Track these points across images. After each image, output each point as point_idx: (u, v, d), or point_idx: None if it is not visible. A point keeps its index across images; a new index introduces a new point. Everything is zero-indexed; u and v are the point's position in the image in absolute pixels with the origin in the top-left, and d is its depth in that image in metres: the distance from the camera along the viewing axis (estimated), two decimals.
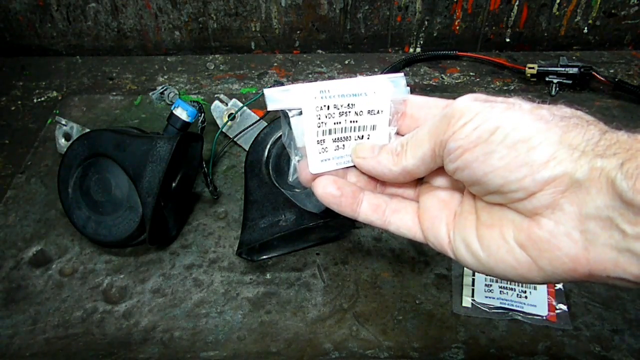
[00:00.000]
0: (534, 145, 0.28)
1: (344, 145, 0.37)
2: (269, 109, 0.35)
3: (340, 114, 0.36)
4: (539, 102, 0.31)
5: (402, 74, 0.37)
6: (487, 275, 0.34)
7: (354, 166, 0.38)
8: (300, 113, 0.35)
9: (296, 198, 0.58)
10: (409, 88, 0.37)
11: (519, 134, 0.29)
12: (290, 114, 0.36)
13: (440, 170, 0.36)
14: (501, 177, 0.29)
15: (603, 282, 0.28)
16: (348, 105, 0.36)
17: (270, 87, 0.36)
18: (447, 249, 0.35)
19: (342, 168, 0.37)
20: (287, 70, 0.86)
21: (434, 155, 0.32)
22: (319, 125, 0.36)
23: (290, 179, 0.39)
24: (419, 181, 0.38)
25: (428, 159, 0.33)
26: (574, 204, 0.28)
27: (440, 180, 0.37)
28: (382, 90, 0.37)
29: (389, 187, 0.39)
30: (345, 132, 0.37)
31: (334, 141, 0.37)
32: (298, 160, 0.37)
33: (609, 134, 0.28)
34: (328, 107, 0.36)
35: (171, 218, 0.61)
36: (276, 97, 0.35)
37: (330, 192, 0.36)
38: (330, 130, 0.36)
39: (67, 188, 0.59)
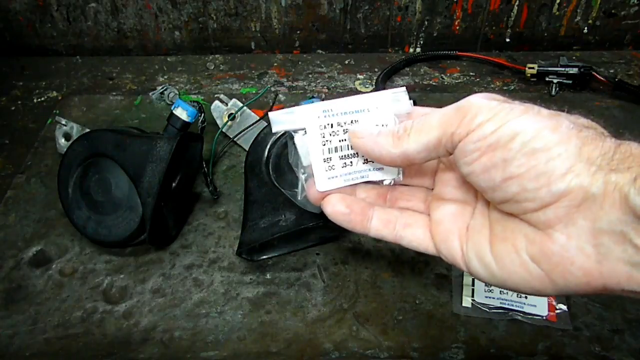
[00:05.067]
0: (554, 156, 0.28)
1: (351, 162, 0.37)
2: (274, 130, 0.36)
3: (345, 132, 0.37)
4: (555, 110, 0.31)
5: (404, 88, 0.38)
6: (499, 287, 0.34)
7: (363, 182, 0.38)
8: (305, 133, 0.36)
9: (296, 198, 0.58)
10: (412, 101, 0.38)
11: (539, 143, 0.28)
12: (294, 134, 0.37)
13: (450, 181, 0.36)
14: (518, 184, 0.29)
15: (617, 295, 0.28)
16: (352, 122, 0.37)
17: (275, 110, 0.37)
18: (459, 262, 0.34)
19: (351, 185, 0.38)
20: (287, 70, 0.86)
21: (439, 145, 0.32)
22: (323, 143, 0.37)
23: (299, 198, 0.39)
24: (428, 193, 0.38)
25: (432, 147, 0.32)
26: (587, 218, 0.27)
27: (451, 192, 0.37)
28: (384, 105, 0.37)
29: (399, 200, 0.39)
30: (351, 149, 0.37)
31: (340, 158, 0.37)
32: (305, 179, 0.38)
33: (623, 147, 0.28)
34: (332, 125, 0.37)
35: (171, 218, 0.61)
36: (280, 119, 0.36)
37: (339, 210, 0.36)
38: (336, 148, 0.37)
39: (67, 188, 0.59)
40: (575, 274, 0.28)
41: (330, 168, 0.37)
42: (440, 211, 0.36)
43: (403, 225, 0.37)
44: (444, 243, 0.35)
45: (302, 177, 0.38)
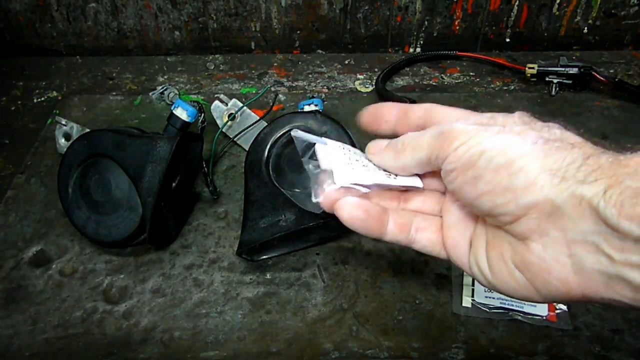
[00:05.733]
0: (515, 171, 0.29)
1: (368, 168, 0.38)
2: (295, 136, 0.39)
3: (359, 160, 0.39)
4: (545, 122, 0.32)
5: None
6: (497, 292, 0.35)
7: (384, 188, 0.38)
8: (325, 144, 0.39)
9: (296, 198, 0.58)
10: None
11: (502, 158, 0.29)
12: (316, 142, 0.38)
13: None
14: (489, 200, 0.30)
15: (600, 303, 0.28)
16: (366, 159, 0.39)
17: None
18: (466, 267, 0.35)
19: (369, 185, 0.37)
20: (287, 70, 0.86)
21: (429, 162, 0.34)
22: (344, 154, 0.38)
23: (313, 199, 0.38)
24: (442, 195, 0.38)
25: (424, 163, 0.34)
26: (558, 229, 0.28)
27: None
28: None
29: (412, 201, 0.39)
30: (369, 166, 0.39)
31: (363, 166, 0.38)
32: (321, 181, 0.37)
33: (592, 159, 0.28)
34: (349, 150, 0.39)
35: (171, 218, 0.61)
36: (303, 135, 0.38)
37: (356, 216, 0.35)
38: (356, 160, 0.38)
39: (67, 188, 0.59)
40: (554, 283, 0.29)
41: (351, 169, 0.37)
42: (451, 215, 0.37)
43: (417, 229, 0.37)
44: (454, 248, 0.36)
45: (316, 177, 0.38)
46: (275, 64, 0.88)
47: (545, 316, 0.54)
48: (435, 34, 0.88)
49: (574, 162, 0.28)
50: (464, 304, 0.55)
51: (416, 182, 0.38)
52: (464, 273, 0.57)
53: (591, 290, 0.28)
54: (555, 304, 0.54)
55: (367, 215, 0.36)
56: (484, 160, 0.30)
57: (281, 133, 0.62)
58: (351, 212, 0.35)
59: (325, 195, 0.36)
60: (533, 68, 0.79)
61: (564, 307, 0.54)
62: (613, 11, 0.84)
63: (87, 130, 0.65)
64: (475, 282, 0.56)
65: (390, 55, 0.90)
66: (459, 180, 0.31)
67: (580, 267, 0.27)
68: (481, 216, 0.33)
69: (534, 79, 0.80)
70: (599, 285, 0.27)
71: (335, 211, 0.36)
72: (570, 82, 0.78)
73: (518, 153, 0.29)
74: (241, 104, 0.71)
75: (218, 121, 0.72)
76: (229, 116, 0.71)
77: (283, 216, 0.55)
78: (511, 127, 0.31)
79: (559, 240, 0.28)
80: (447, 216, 0.37)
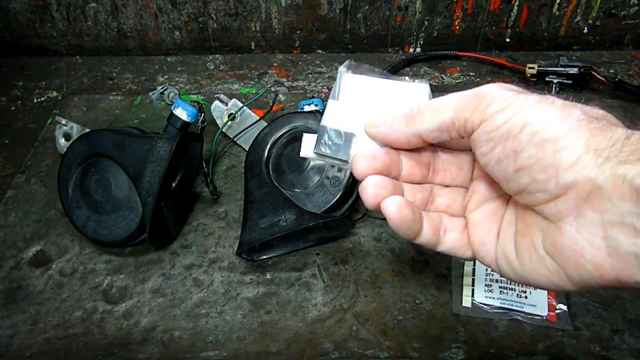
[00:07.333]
0: (561, 148, 0.28)
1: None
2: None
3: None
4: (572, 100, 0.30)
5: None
6: (525, 284, 0.33)
7: (406, 183, 0.37)
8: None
9: (296, 198, 0.58)
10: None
11: (547, 133, 0.28)
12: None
13: (485, 177, 0.35)
14: (528, 176, 0.29)
15: (634, 288, 0.28)
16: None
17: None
18: (494, 264, 0.34)
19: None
20: (287, 70, 0.86)
21: (451, 127, 0.32)
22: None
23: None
24: (466, 194, 0.37)
25: (444, 128, 0.32)
26: (595, 210, 0.27)
27: (486, 190, 0.36)
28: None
29: (438, 204, 0.37)
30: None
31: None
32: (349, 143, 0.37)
33: (634, 138, 0.27)
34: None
35: (171, 218, 0.61)
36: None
37: (406, 217, 0.33)
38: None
39: (67, 188, 0.59)
40: (587, 267, 0.28)
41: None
42: (478, 212, 0.36)
43: (444, 230, 0.36)
44: (481, 245, 0.35)
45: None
46: (275, 64, 0.88)
47: (545, 316, 0.54)
48: (435, 34, 0.88)
49: (617, 142, 0.27)
50: (464, 304, 0.55)
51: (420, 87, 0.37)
52: (464, 273, 0.57)
53: (625, 274, 0.27)
54: (555, 304, 0.54)
55: (414, 216, 0.34)
56: (527, 133, 0.28)
57: (281, 133, 0.62)
58: (402, 211, 0.33)
59: (366, 187, 0.34)
60: (533, 68, 0.79)
61: (564, 307, 0.54)
62: (613, 11, 0.84)
63: (87, 130, 0.66)
64: (476, 282, 0.56)
65: (390, 55, 0.90)
66: (496, 152, 0.30)
67: (616, 249, 0.27)
68: (513, 194, 0.31)
69: (534, 79, 0.80)
70: (634, 268, 0.26)
71: (382, 209, 0.34)
72: (570, 82, 0.78)
73: (564, 129, 0.28)
74: (241, 104, 0.71)
75: (218, 121, 0.72)
76: (229, 116, 0.71)
77: (283, 216, 0.55)
78: (552, 99, 0.30)
79: (594, 222, 0.27)
80: (474, 214, 0.36)
